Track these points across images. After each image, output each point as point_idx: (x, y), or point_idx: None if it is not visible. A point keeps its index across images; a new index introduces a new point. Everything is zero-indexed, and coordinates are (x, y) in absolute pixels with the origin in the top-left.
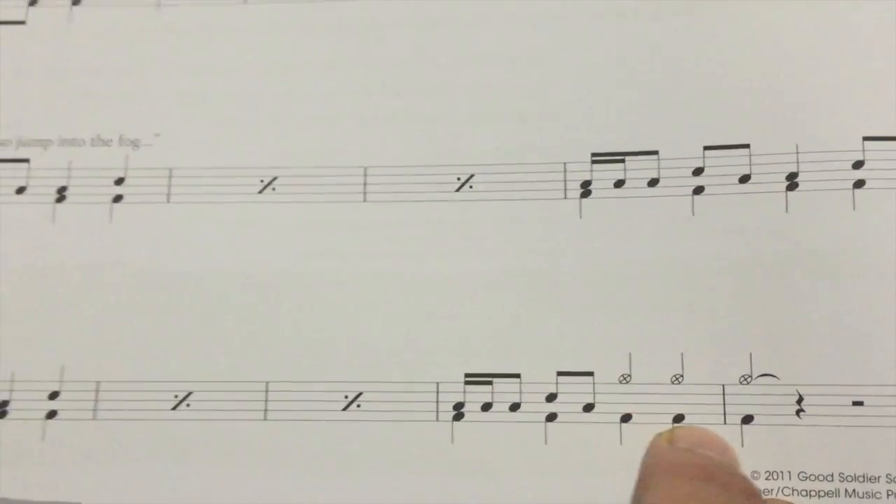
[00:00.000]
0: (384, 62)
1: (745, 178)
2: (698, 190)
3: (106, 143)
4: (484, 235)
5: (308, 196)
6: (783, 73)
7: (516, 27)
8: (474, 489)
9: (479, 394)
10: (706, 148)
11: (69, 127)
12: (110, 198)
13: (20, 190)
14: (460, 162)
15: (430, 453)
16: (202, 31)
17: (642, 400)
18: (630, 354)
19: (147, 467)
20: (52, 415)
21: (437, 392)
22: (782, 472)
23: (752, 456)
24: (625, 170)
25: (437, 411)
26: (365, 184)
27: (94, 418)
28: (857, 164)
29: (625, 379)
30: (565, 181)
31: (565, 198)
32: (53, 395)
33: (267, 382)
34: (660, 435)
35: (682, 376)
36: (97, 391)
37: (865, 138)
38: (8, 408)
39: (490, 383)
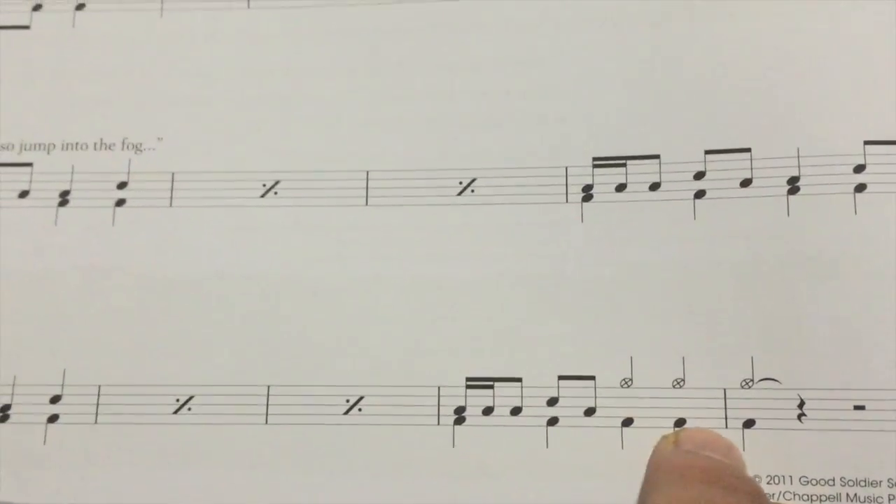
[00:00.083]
0: (386, 66)
1: (746, 182)
2: (700, 194)
3: (109, 147)
4: (485, 239)
5: (310, 200)
6: (784, 77)
7: (518, 32)
8: (476, 493)
9: (481, 398)
10: (707, 152)
11: (72, 131)
12: (113, 202)
13: (23, 194)
14: (462, 166)
15: (431, 457)
16: (205, 35)
17: (644, 404)
18: (631, 358)
19: (149, 471)
20: (53, 419)
21: (439, 396)
22: (784, 477)
23: (754, 460)
24: (626, 174)
25: (439, 415)
26: (367, 188)
27: (95, 422)
28: (859, 168)
29: (626, 383)
30: (567, 185)
31: (567, 202)
32: (55, 399)
33: (268, 386)
34: (665, 437)
35: (683, 380)
36: (99, 395)
37: (867, 142)
38: (10, 412)
39: (491, 387)
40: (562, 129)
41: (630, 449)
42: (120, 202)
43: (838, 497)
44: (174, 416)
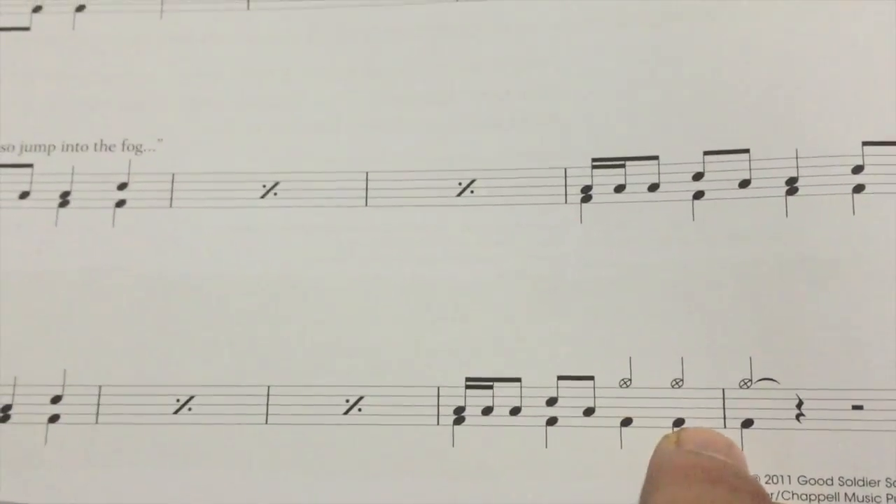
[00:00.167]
0: (386, 68)
1: (744, 183)
2: (698, 195)
3: (109, 148)
4: (485, 240)
5: (310, 201)
6: (782, 79)
7: (517, 33)
8: (475, 493)
9: (480, 398)
10: (706, 153)
11: (72, 132)
12: (113, 203)
13: (24, 195)
14: (461, 167)
15: (430, 457)
16: (205, 37)
17: (643, 404)
18: (630, 359)
19: (149, 471)
20: (54, 419)
21: (438, 396)
22: (782, 476)
23: (752, 460)
24: (625, 175)
25: (438, 415)
26: (366, 188)
27: (96, 422)
28: (857, 169)
29: (625, 383)
30: (566, 186)
31: (566, 203)
32: (56, 400)
33: (268, 386)
34: (667, 437)
35: (682, 380)
36: (99, 395)
37: (865, 143)
38: (10, 412)
39: (491, 387)
40: (561, 130)
41: (629, 449)
42: (120, 203)
43: (836, 496)
44: (174, 416)
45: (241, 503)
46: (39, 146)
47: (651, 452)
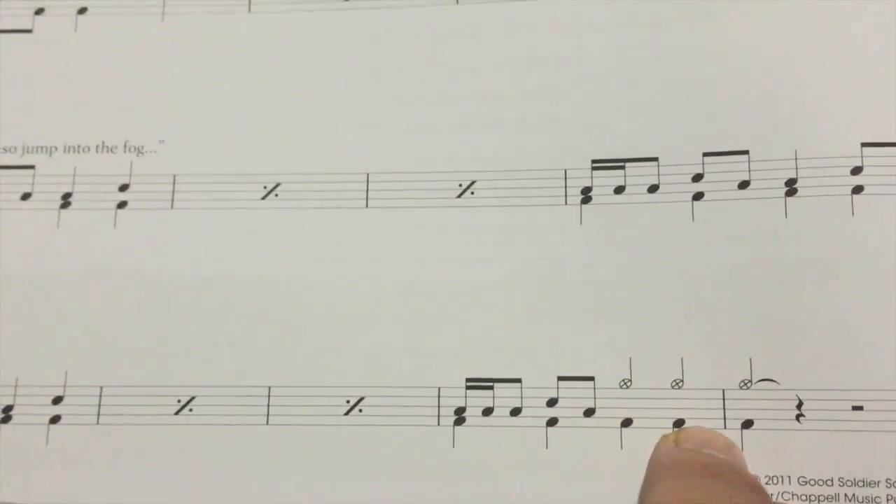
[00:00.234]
0: (386, 69)
1: (744, 185)
2: (698, 196)
3: (111, 149)
4: (485, 241)
5: (310, 202)
6: (782, 80)
7: (517, 36)
8: (475, 494)
9: (481, 398)
10: (705, 154)
11: (74, 134)
12: (115, 204)
13: (25, 196)
14: (462, 168)
15: (431, 458)
16: (206, 39)
17: (643, 405)
18: (630, 359)
19: (150, 472)
20: (55, 420)
21: (439, 397)
22: (782, 477)
23: (752, 460)
24: (625, 176)
25: (439, 416)
26: (367, 190)
27: (97, 423)
28: (856, 170)
29: (625, 384)
30: (566, 187)
31: (566, 204)
32: (57, 400)
33: (269, 387)
34: (665, 436)
35: (682, 381)
36: (100, 396)
37: (864, 144)
38: (12, 412)
39: (491, 388)
40: (561, 132)
41: (629, 449)
42: (122, 204)
43: (836, 497)
44: (175, 416)
45: (241, 503)
46: (41, 148)
47: (651, 453)
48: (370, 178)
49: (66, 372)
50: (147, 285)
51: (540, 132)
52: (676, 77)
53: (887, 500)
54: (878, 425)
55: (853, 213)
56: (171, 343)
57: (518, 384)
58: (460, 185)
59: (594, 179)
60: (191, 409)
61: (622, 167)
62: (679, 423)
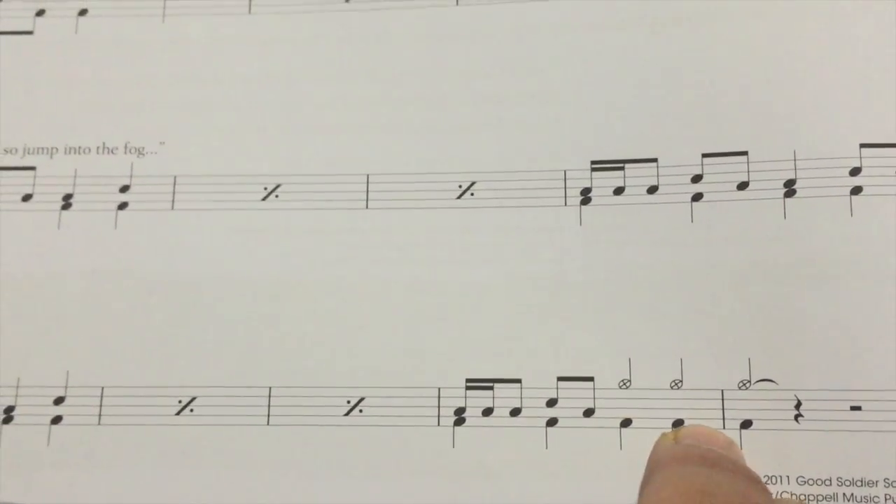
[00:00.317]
0: (386, 71)
1: (743, 185)
2: (697, 197)
3: (111, 151)
4: (485, 242)
5: (311, 203)
6: (780, 81)
7: (517, 37)
8: (475, 494)
9: (481, 399)
10: (705, 155)
11: (75, 135)
12: (115, 205)
13: (26, 197)
14: (461, 169)
15: (431, 458)
16: (206, 40)
17: (642, 405)
18: (630, 360)
19: (151, 472)
20: (57, 420)
21: (439, 397)
22: (781, 477)
23: (751, 460)
24: (624, 177)
25: (439, 416)
26: (367, 191)
27: (98, 423)
28: (855, 171)
29: (625, 384)
30: (565, 188)
31: (565, 205)
32: (59, 401)
33: (270, 388)
34: (665, 434)
35: (681, 381)
36: (102, 396)
37: (862, 145)
38: (13, 413)
39: (491, 388)
40: (560, 133)
41: (629, 449)
42: (122, 205)
43: (835, 497)
44: (176, 417)
45: (242, 503)
46: (42, 149)
47: (650, 451)
48: (370, 179)
49: (68, 372)
50: (148, 286)
51: (540, 133)
52: (675, 78)
53: (885, 499)
54: (876, 425)
55: (852, 214)
56: (172, 344)
57: (518, 384)
58: (460, 186)
59: (594, 180)
60: (192, 410)
61: (621, 168)
62: (678, 424)
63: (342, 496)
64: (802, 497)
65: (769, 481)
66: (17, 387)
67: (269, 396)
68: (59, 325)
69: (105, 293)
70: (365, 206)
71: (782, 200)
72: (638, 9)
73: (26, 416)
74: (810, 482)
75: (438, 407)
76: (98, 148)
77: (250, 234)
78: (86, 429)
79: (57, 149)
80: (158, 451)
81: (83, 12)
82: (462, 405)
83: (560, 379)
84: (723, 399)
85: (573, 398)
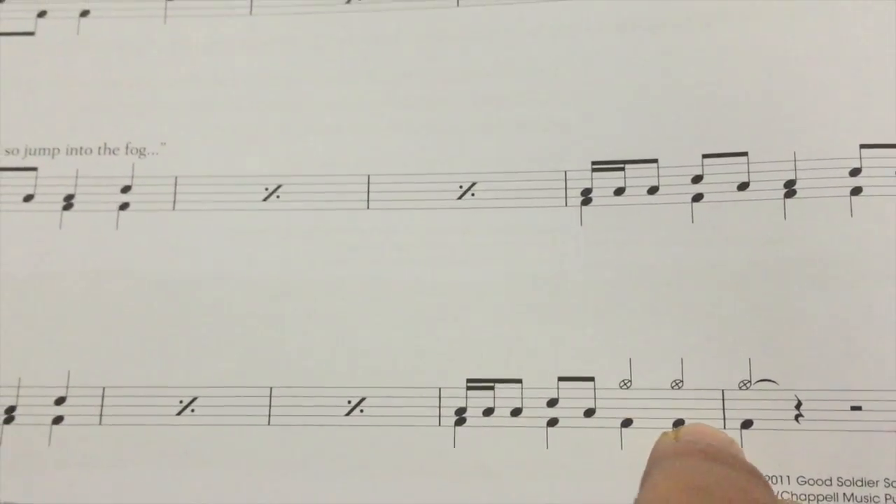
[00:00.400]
0: (387, 72)
1: (743, 186)
2: (697, 197)
3: (113, 151)
4: (485, 242)
5: (312, 203)
6: (780, 82)
7: (518, 38)
8: (476, 493)
9: (481, 399)
10: (705, 156)
11: (76, 136)
12: (117, 205)
13: (28, 198)
14: (462, 170)
15: (432, 458)
16: (208, 41)
17: (643, 405)
18: (630, 360)
19: (152, 472)
20: (58, 420)
21: (440, 397)
22: (781, 477)
23: (751, 460)
24: (625, 178)
25: (440, 416)
26: (368, 191)
27: (99, 423)
28: (854, 172)
29: (625, 384)
30: (566, 189)
31: (566, 205)
32: (60, 401)
33: (271, 388)
34: (665, 433)
35: (681, 381)
36: (103, 397)
37: (862, 146)
38: (15, 413)
39: (492, 388)
40: (561, 134)
41: (629, 449)
42: (124, 206)
43: (835, 497)
44: (177, 417)
45: (243, 503)
46: (44, 150)
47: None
48: (371, 180)
49: (69, 372)
50: (149, 286)
51: (540, 134)
52: (676, 79)
53: (886, 499)
54: (876, 425)
55: (852, 215)
56: (172, 344)
57: (518, 385)
58: (461, 187)
59: (594, 181)
60: (193, 410)
61: (622, 169)
62: (679, 423)
63: (343, 496)
64: (802, 497)
65: (769, 481)
66: (19, 387)
67: (271, 396)
68: (60, 326)
69: (106, 293)
70: (366, 206)
71: (782, 201)
72: (638, 9)
73: (27, 416)
74: (810, 482)
75: (439, 407)
76: (99, 148)
77: (251, 234)
78: (87, 429)
79: (58, 149)
80: (159, 451)
81: (85, 13)
82: (463, 405)
83: (561, 379)
84: (723, 399)
85: (574, 398)
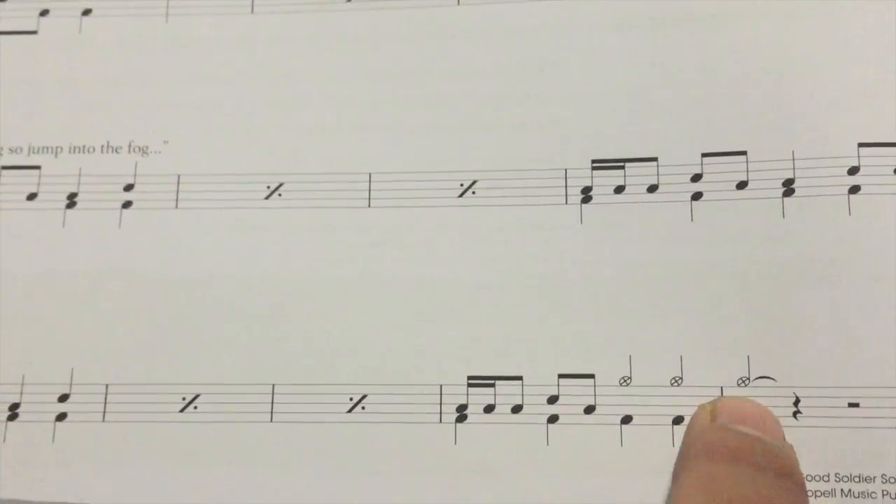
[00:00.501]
0: (388, 70)
1: (742, 185)
2: (697, 196)
3: (115, 150)
4: (486, 240)
5: (313, 202)
6: (780, 81)
7: (518, 37)
8: (477, 490)
9: (482, 396)
10: (704, 155)
11: (79, 134)
12: (119, 204)
13: (31, 196)
14: (463, 168)
15: (433, 454)
16: (210, 40)
17: (642, 402)
18: (630, 357)
19: (155, 469)
20: (61, 417)
21: (441, 394)
22: None
23: None
24: (625, 176)
25: (441, 413)
26: (370, 190)
27: (103, 420)
28: (853, 170)
29: (625, 381)
30: (566, 187)
31: (566, 203)
32: (63, 398)
33: (273, 385)
34: (703, 407)
35: (681, 378)
36: (106, 394)
37: (860, 144)
38: (18, 410)
39: (492, 385)
40: (561, 132)
41: (629, 446)
42: (126, 204)
43: (833, 492)
44: (180, 414)
45: (245, 501)
46: (47, 148)
47: (650, 450)
48: (372, 178)
49: (72, 370)
50: (152, 284)
51: (540, 132)
52: (675, 78)
53: (883, 495)
54: (874, 422)
55: (850, 213)
56: (175, 341)
57: (519, 382)
58: (462, 185)
59: (594, 179)
60: (195, 407)
61: (622, 167)
62: (678, 421)
63: (345, 493)
64: None
65: None
66: (22, 384)
67: (273, 394)
68: (63, 323)
69: (109, 291)
70: (367, 204)
71: (781, 200)
72: (638, 8)
73: (31, 413)
74: (808, 478)
75: (440, 404)
76: (102, 147)
77: (253, 232)
78: (90, 426)
79: (61, 148)
80: (162, 448)
81: (87, 12)
82: (464, 402)
83: (561, 376)
84: (722, 396)
85: (574, 395)
